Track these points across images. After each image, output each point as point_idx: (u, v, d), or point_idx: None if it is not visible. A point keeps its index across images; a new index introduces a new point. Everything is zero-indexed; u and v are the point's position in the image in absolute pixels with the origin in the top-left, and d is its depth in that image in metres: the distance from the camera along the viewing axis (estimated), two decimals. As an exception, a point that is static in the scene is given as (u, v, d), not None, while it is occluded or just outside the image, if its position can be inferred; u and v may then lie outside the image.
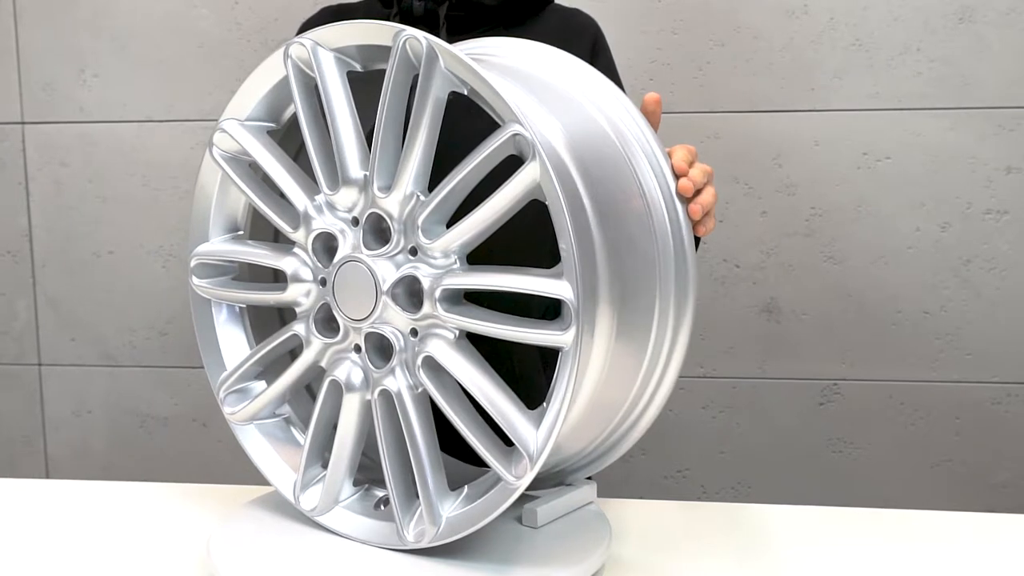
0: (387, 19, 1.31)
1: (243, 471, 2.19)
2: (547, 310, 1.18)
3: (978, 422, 1.99)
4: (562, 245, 0.84)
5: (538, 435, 0.88)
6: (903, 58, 1.90)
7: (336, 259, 0.97)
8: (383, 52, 0.97)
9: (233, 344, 1.13)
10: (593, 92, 1.04)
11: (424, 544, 0.95)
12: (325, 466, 1.06)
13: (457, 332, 0.92)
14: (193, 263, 1.11)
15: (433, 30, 1.28)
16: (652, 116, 1.05)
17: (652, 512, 1.17)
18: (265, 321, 1.17)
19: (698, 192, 1.01)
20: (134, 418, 2.21)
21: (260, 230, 1.15)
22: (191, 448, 2.21)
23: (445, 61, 0.88)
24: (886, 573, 1.01)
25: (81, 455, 2.24)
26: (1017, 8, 1.86)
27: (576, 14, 1.41)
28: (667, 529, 1.12)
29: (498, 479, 0.92)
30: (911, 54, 1.90)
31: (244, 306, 1.15)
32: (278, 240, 1.17)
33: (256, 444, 1.11)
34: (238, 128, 1.05)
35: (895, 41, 1.90)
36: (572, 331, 0.84)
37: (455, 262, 0.91)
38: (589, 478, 1.12)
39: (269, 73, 1.02)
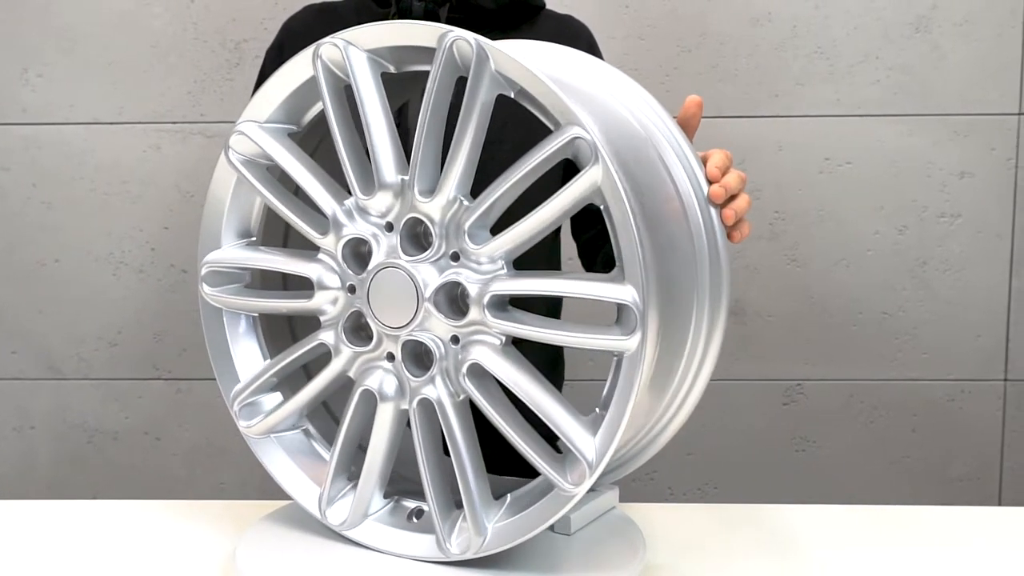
0: (384, 19, 1.28)
1: (201, 486, 2.12)
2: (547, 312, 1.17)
3: (934, 419, 2.05)
4: (625, 250, 0.83)
5: (596, 441, 0.87)
6: (863, 66, 1.95)
7: (371, 265, 0.94)
8: (417, 53, 0.94)
9: (247, 355, 1.09)
10: (621, 93, 1.04)
11: (470, 555, 0.93)
12: (350, 479, 1.03)
13: (503, 338, 0.90)
14: (204, 271, 1.06)
15: None
16: (693, 119, 1.05)
17: (672, 515, 1.17)
18: (276, 332, 1.13)
19: (732, 198, 1.01)
20: (81, 433, 2.12)
21: (271, 236, 1.12)
22: (144, 463, 2.12)
23: (497, 63, 0.87)
24: (886, 571, 1.03)
25: (24, 473, 2.13)
26: (970, 19, 1.93)
27: (570, 20, 1.42)
28: (690, 532, 1.12)
29: (548, 487, 0.91)
30: (870, 62, 1.95)
31: (257, 315, 1.10)
32: (286, 245, 1.14)
33: (275, 458, 1.07)
34: (258, 131, 1.00)
35: (855, 49, 1.95)
36: (637, 336, 0.83)
37: (501, 267, 0.90)
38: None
39: (293, 74, 0.98)
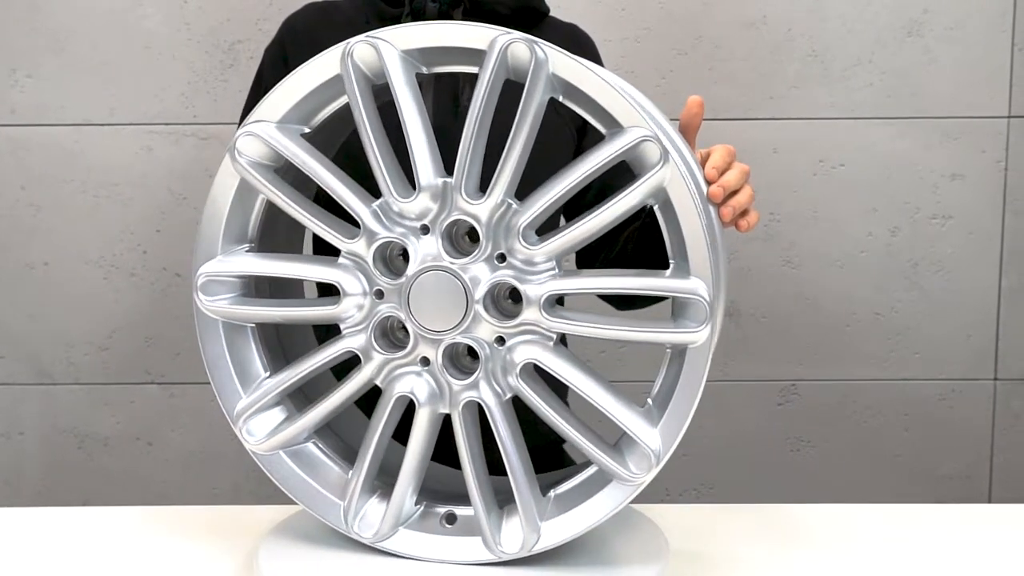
0: (397, 20, 1.28)
1: (194, 492, 2.10)
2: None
3: (925, 418, 2.08)
4: (692, 246, 0.88)
5: (659, 432, 0.90)
6: (856, 69, 1.97)
7: (411, 269, 0.93)
8: (447, 54, 0.94)
9: (247, 368, 1.03)
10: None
11: (524, 553, 0.94)
12: (371, 488, 1.02)
13: (555, 336, 0.91)
14: (201, 281, 1.00)
15: None
16: (695, 119, 1.05)
17: (670, 515, 1.17)
18: (269, 343, 1.08)
19: (733, 193, 1.02)
20: (71, 439, 2.09)
21: (266, 242, 1.07)
22: (136, 469, 2.09)
23: (555, 66, 0.87)
24: (877, 567, 1.05)
25: (12, 480, 2.10)
26: (960, 24, 1.96)
27: (576, 29, 1.43)
28: (687, 532, 1.13)
29: (596, 480, 0.94)
30: (863, 66, 1.97)
31: (255, 326, 1.04)
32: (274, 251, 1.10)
33: (287, 473, 1.03)
34: (275, 131, 0.97)
35: (849, 53, 1.97)
36: (707, 328, 0.87)
37: (553, 267, 0.91)
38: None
39: (316, 72, 0.96)
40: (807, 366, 2.06)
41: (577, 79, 0.88)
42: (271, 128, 0.97)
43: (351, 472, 0.99)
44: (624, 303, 1.37)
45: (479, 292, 0.91)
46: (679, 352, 0.92)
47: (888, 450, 2.09)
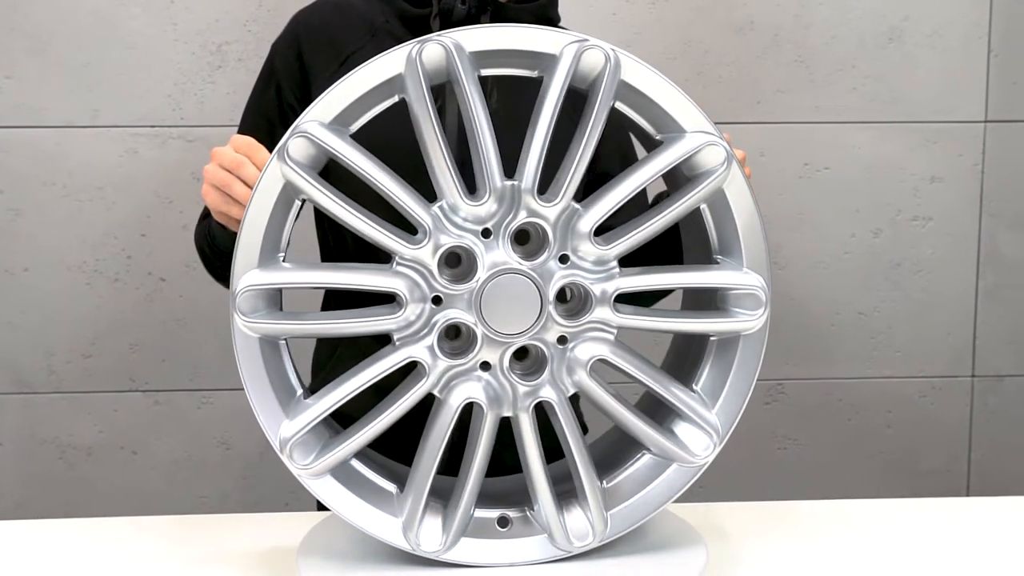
0: (422, 20, 1.26)
1: (180, 501, 2.06)
2: None
3: (906, 415, 2.13)
4: (749, 242, 0.95)
5: (716, 414, 0.97)
6: (840, 75, 2.02)
7: (482, 272, 0.91)
8: (502, 57, 0.94)
9: (284, 385, 0.97)
10: None
11: (595, 544, 0.96)
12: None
13: (616, 332, 0.93)
14: (241, 296, 0.93)
15: None
16: None
17: (704, 514, 1.19)
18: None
19: None
20: (52, 449, 2.03)
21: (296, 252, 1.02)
22: (120, 479, 2.05)
23: (626, 71, 0.89)
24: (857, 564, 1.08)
25: (-11, 493, 2.04)
26: (939, 31, 2.02)
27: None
28: (728, 529, 1.16)
29: (651, 468, 0.98)
30: (847, 71, 2.02)
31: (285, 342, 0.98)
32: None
33: (338, 496, 0.97)
34: (328, 133, 0.93)
35: (833, 58, 2.02)
36: (764, 316, 0.95)
37: (614, 266, 0.93)
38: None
39: (375, 74, 0.93)
40: (793, 365, 2.10)
41: (645, 84, 0.91)
42: (323, 129, 0.93)
43: (407, 486, 0.96)
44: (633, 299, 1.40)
45: (551, 293, 0.92)
46: (725, 341, 0.98)
47: (871, 447, 2.14)
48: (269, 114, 1.29)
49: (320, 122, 0.94)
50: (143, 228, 1.98)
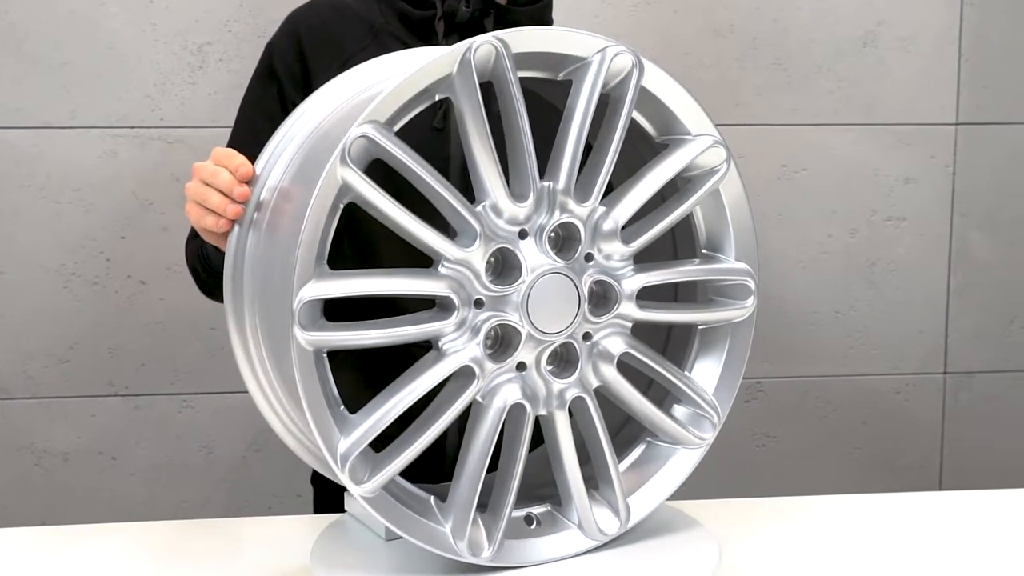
0: (425, 22, 1.26)
1: (161, 506, 2.04)
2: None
3: (882, 412, 2.18)
4: (740, 235, 1.02)
5: (714, 395, 1.04)
6: (817, 77, 2.06)
7: (527, 273, 0.91)
8: (532, 59, 0.94)
9: (331, 401, 0.91)
10: None
11: (624, 529, 1.00)
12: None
13: (630, 326, 0.97)
14: (301, 308, 0.85)
15: None
16: None
17: (687, 511, 1.20)
18: None
19: None
20: (28, 456, 2.00)
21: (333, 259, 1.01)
22: (98, 485, 2.02)
23: (645, 77, 0.91)
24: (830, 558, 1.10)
25: (-38, 501, 2.00)
26: (912, 35, 2.06)
27: None
28: (707, 526, 1.16)
29: (657, 454, 1.04)
30: (824, 74, 2.06)
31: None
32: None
33: (396, 512, 0.92)
34: (387, 134, 0.88)
35: (810, 62, 2.05)
36: (753, 303, 1.03)
37: (630, 264, 0.96)
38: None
39: (429, 72, 0.89)
40: (772, 364, 2.13)
41: (659, 88, 0.94)
42: (383, 131, 0.88)
43: (453, 493, 0.93)
44: None
45: (585, 291, 0.93)
46: (712, 329, 1.06)
47: (848, 444, 2.18)
48: (271, 113, 1.28)
49: (377, 123, 0.88)
50: (122, 230, 1.96)
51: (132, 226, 1.96)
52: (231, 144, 1.32)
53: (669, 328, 1.10)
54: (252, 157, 1.04)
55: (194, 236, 1.28)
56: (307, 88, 1.27)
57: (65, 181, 1.93)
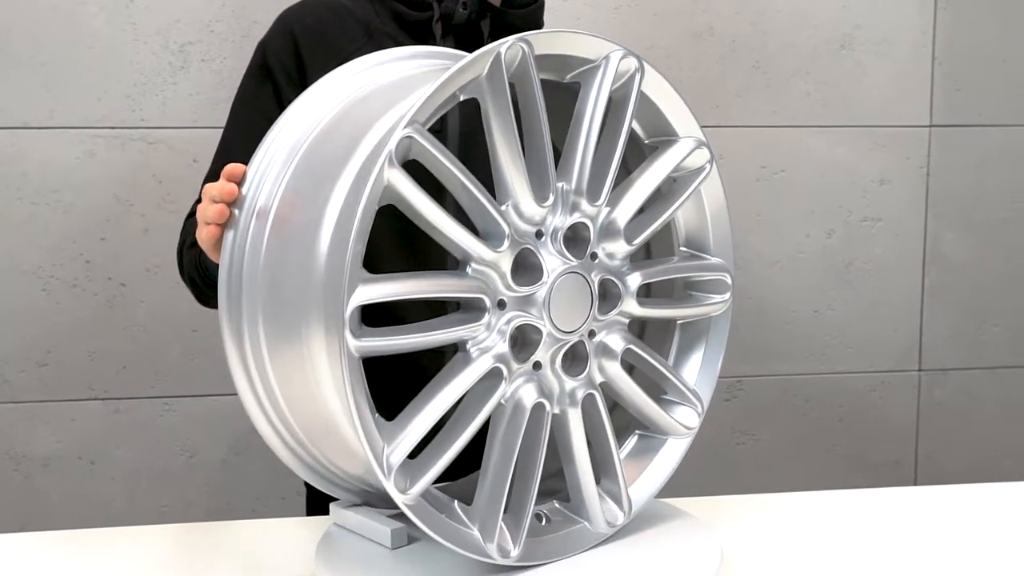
0: (422, 24, 1.26)
1: (141, 511, 2.02)
2: None
3: (858, 409, 2.21)
4: (717, 233, 1.09)
5: (695, 386, 1.09)
6: (795, 80, 2.09)
7: (549, 273, 0.92)
8: (547, 61, 0.95)
9: (372, 407, 0.88)
10: None
11: (629, 519, 1.03)
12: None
13: (628, 322, 1.00)
14: (352, 314, 0.83)
15: (477, 42, 1.26)
16: None
17: (701, 508, 1.22)
18: None
19: None
20: (7, 461, 1.97)
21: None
22: (78, 490, 1.99)
23: (646, 81, 0.93)
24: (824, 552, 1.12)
25: (-62, 508, 1.96)
26: (888, 39, 2.10)
27: None
28: (733, 525, 1.18)
29: (646, 445, 1.07)
30: (802, 76, 2.09)
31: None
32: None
33: (435, 520, 0.90)
34: (427, 136, 0.86)
35: (789, 64, 2.08)
36: (729, 298, 1.10)
37: (627, 262, 0.99)
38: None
39: (465, 73, 0.88)
40: (751, 362, 2.16)
41: (655, 91, 0.98)
42: (425, 132, 0.86)
43: (480, 495, 0.92)
44: None
45: (596, 290, 0.95)
46: (691, 324, 1.11)
47: (826, 440, 2.21)
48: (266, 110, 1.27)
49: (418, 124, 0.86)
50: (102, 232, 1.94)
51: (112, 228, 1.94)
52: (223, 143, 1.32)
53: (643, 324, 1.13)
54: (246, 155, 1.02)
55: (192, 244, 1.27)
56: (303, 86, 1.27)
57: (44, 182, 1.91)
